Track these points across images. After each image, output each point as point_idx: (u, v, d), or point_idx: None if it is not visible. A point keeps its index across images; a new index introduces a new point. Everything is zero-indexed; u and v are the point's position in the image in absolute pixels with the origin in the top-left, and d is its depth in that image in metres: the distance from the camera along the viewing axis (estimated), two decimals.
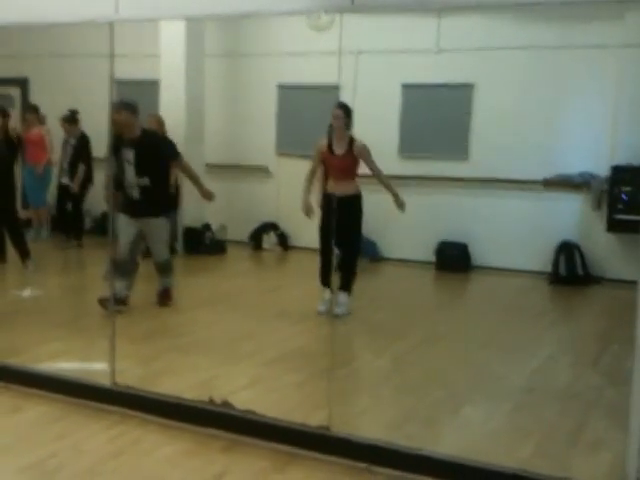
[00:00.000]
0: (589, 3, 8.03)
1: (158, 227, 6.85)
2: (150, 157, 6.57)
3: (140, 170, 6.59)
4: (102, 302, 6.41)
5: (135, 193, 6.66)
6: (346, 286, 6.90)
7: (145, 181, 6.61)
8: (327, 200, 6.79)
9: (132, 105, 6.57)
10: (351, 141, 6.74)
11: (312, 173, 6.93)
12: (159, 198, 6.80)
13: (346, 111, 6.75)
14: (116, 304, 6.31)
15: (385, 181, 6.92)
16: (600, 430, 4.40)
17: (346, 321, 6.69)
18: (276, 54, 10.23)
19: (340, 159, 6.72)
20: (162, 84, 9.88)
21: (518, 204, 9.32)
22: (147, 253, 7.58)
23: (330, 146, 6.77)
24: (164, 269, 7.03)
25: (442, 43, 9.43)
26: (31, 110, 10.19)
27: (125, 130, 6.60)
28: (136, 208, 6.66)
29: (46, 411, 4.52)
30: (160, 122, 9.39)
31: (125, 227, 6.69)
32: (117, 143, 6.66)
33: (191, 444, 4.10)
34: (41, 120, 10.15)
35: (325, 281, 6.91)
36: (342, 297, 6.87)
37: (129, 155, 6.59)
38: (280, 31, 10.00)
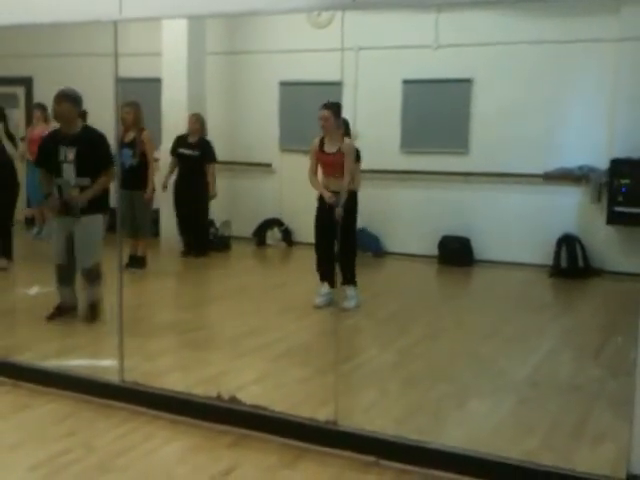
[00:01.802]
0: None
1: (90, 226, 6.14)
2: (92, 155, 5.96)
3: (81, 169, 6.01)
4: (53, 315, 6.24)
5: (74, 194, 6.09)
6: (351, 279, 6.98)
7: (85, 181, 6.02)
8: (322, 196, 6.92)
9: (73, 96, 6.03)
10: (343, 139, 6.83)
11: (312, 171, 7.01)
12: (98, 198, 6.15)
13: (335, 110, 6.80)
14: (65, 313, 6.28)
15: (349, 183, 6.81)
16: (604, 422, 4.43)
17: (351, 315, 6.72)
18: (277, 51, 10.26)
19: (332, 157, 6.84)
20: (164, 82, 9.90)
21: (519, 198, 9.37)
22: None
23: (322, 145, 6.89)
24: (92, 277, 6.26)
25: (441, 39, 9.49)
26: (39, 108, 10.22)
27: (65, 124, 6.10)
28: (72, 208, 6.09)
29: (55, 408, 4.54)
30: (202, 122, 9.48)
31: (58, 231, 6.20)
32: (54, 139, 6.20)
33: (200, 440, 4.12)
34: (47, 119, 10.17)
35: (323, 275, 7.00)
36: (350, 291, 6.95)
37: (69, 153, 6.02)
38: (281, 29, 10.03)
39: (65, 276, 6.26)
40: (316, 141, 6.95)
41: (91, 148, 5.94)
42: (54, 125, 9.94)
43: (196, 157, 9.33)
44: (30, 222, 10.49)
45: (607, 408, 4.64)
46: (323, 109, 6.80)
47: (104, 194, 6.30)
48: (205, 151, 9.41)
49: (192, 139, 9.42)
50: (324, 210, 6.86)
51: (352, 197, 6.90)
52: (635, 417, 3.52)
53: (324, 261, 6.99)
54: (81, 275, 6.25)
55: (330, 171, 6.87)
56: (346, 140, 6.84)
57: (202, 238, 9.71)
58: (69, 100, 6.02)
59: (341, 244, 6.80)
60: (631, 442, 3.53)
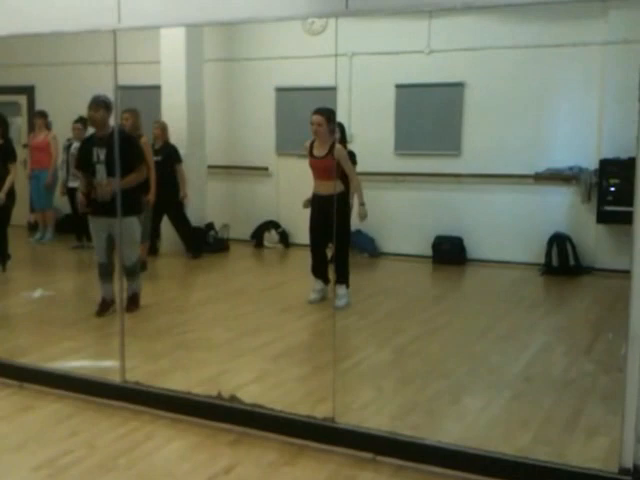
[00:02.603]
0: (575, 2, 8.13)
1: (127, 226, 6.40)
2: (121, 156, 5.90)
3: (111, 169, 6.21)
4: (101, 310, 6.66)
5: (106, 194, 6.38)
6: (342, 279, 7.07)
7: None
8: (314, 200, 7.06)
9: (107, 102, 6.36)
10: (333, 144, 6.90)
11: None
12: (130, 197, 6.36)
13: (327, 116, 6.90)
14: (109, 307, 6.63)
15: (357, 186, 7.09)
16: (596, 416, 4.48)
17: (347, 315, 6.79)
18: (273, 58, 10.33)
19: (320, 161, 6.91)
20: (163, 89, 9.97)
21: (510, 198, 9.43)
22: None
23: (312, 149, 6.99)
24: (133, 272, 6.73)
25: (433, 44, 9.55)
26: (39, 115, 10.29)
27: (99, 128, 6.49)
28: (106, 208, 6.28)
29: (58, 409, 4.59)
30: (164, 128, 9.53)
31: (98, 232, 6.56)
32: (89, 143, 6.62)
33: (201, 438, 4.17)
34: (48, 126, 10.25)
35: (317, 273, 7.17)
36: (340, 290, 7.03)
37: (101, 154, 6.43)
38: (277, 36, 10.10)
39: (106, 273, 6.68)
40: (307, 144, 7.05)
41: (120, 149, 6.01)
42: (54, 133, 10.15)
43: (160, 162, 9.33)
44: (33, 227, 10.56)
45: (599, 403, 4.70)
46: (316, 114, 6.89)
47: (137, 197, 6.76)
48: (168, 155, 9.46)
49: (157, 145, 9.46)
50: (318, 212, 6.98)
51: (343, 198, 6.98)
52: (626, 411, 3.57)
53: (317, 259, 7.16)
54: (123, 271, 6.28)
55: (318, 175, 6.97)
56: (337, 146, 6.91)
57: (195, 239, 9.79)
58: (104, 107, 6.40)
59: (335, 245, 6.92)
60: (623, 436, 3.58)
